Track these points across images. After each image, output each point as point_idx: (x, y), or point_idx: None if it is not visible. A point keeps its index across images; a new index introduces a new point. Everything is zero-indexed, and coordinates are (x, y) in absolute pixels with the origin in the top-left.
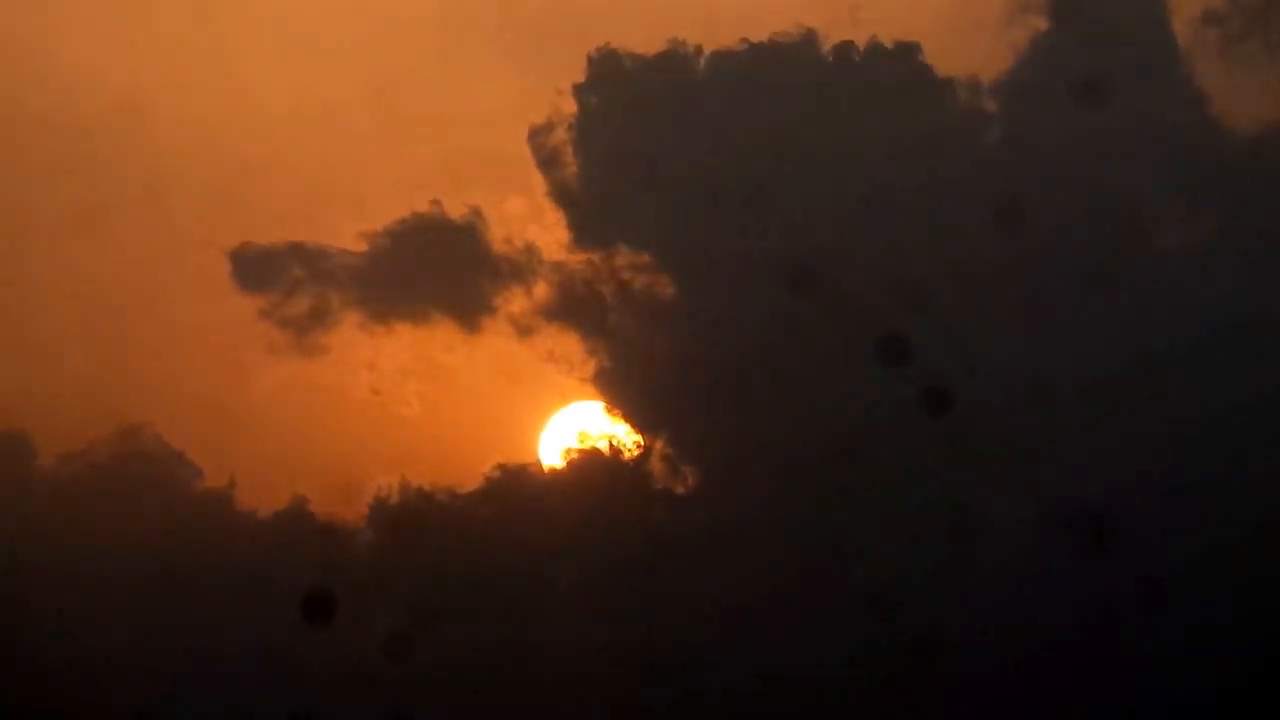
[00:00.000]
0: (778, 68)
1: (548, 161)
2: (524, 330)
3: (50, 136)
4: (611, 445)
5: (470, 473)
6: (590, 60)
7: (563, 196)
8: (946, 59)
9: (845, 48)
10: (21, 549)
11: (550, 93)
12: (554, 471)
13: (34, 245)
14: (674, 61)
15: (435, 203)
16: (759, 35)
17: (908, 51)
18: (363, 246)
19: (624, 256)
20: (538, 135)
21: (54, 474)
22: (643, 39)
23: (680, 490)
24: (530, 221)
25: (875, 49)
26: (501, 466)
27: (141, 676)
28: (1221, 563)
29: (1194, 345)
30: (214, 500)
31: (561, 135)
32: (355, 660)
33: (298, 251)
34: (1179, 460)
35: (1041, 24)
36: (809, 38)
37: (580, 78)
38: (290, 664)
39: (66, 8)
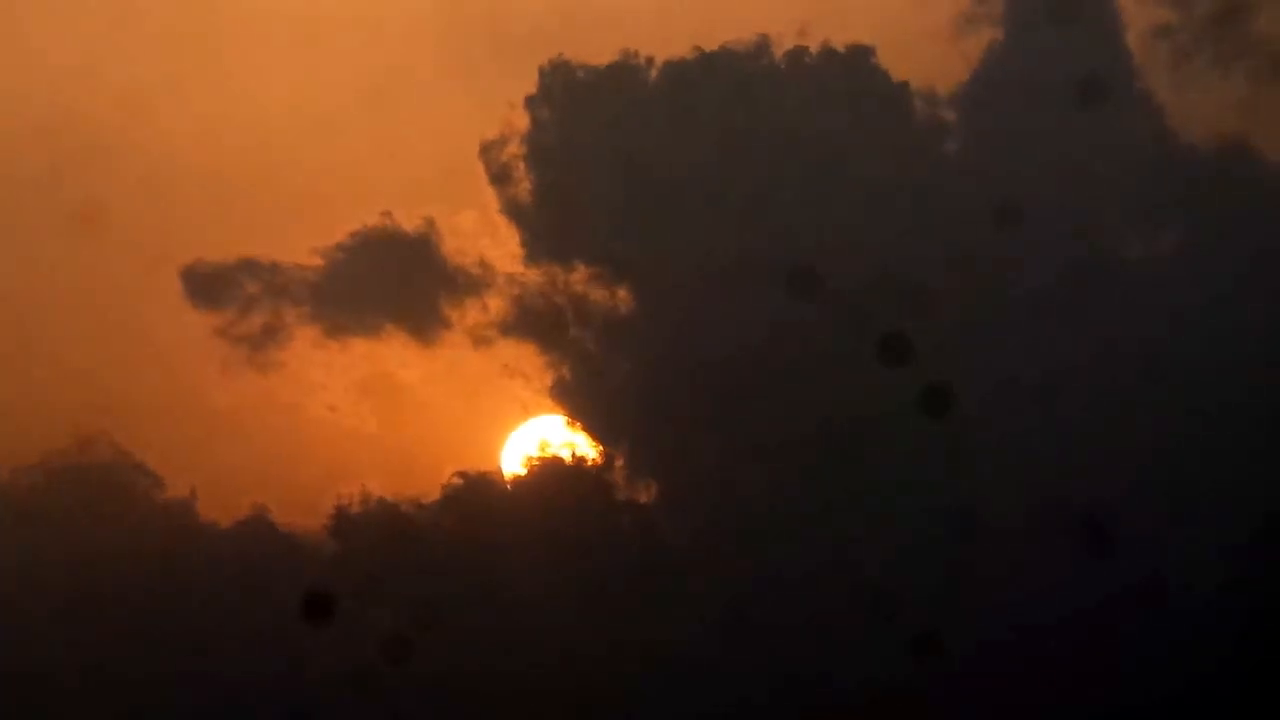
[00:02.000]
0: (731, 75)
1: (500, 175)
2: (481, 344)
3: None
4: (574, 455)
5: (431, 486)
6: (541, 72)
7: (517, 210)
8: (898, 66)
9: (798, 52)
10: None
11: (502, 106)
12: (517, 482)
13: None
14: (626, 72)
15: (388, 216)
16: (711, 44)
17: (861, 55)
18: (317, 262)
19: (580, 268)
20: (489, 149)
21: (10, 485)
22: (594, 50)
23: (648, 499)
24: (483, 235)
25: (829, 54)
26: (462, 474)
27: (105, 688)
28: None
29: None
30: (175, 510)
31: (514, 148)
32: (324, 667)
33: (252, 267)
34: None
35: (990, 33)
36: (762, 44)
37: (531, 89)
38: (263, 671)
39: None
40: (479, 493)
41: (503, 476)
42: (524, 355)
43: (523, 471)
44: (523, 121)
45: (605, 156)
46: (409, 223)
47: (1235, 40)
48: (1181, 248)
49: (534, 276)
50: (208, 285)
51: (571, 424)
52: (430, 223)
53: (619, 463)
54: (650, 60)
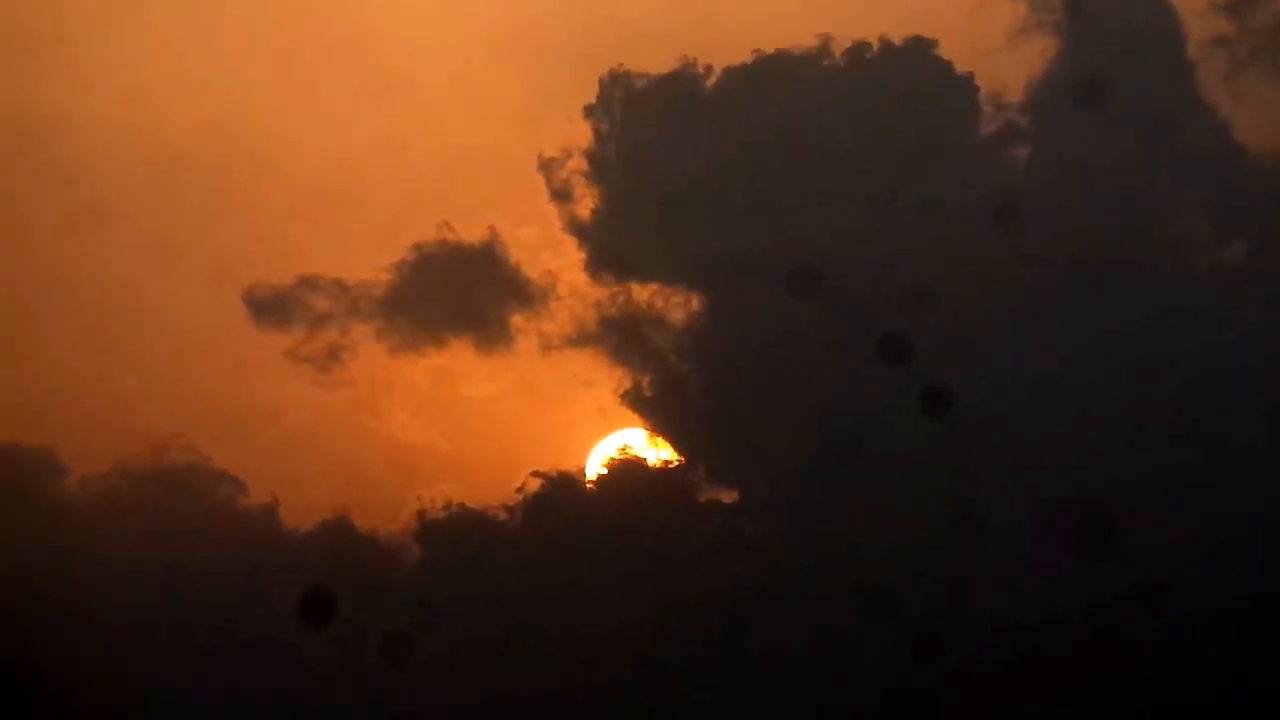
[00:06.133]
0: (790, 78)
1: (561, 190)
2: (553, 356)
3: (63, 142)
4: (655, 464)
5: (510, 495)
6: (601, 82)
7: (579, 221)
8: (960, 64)
9: (860, 47)
10: (60, 564)
11: (560, 118)
12: (599, 483)
13: (47, 255)
14: (685, 80)
15: (448, 228)
16: (768, 46)
17: (922, 48)
18: (384, 277)
19: (646, 279)
20: (550, 165)
21: (86, 491)
22: (652, 59)
23: (706, 498)
24: (545, 248)
25: (888, 49)
26: (541, 475)
27: (188, 694)
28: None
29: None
30: (257, 515)
31: (575, 161)
32: (392, 668)
33: (316, 284)
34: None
35: (1053, 31)
36: (822, 44)
37: (591, 99)
38: (340, 673)
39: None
40: (560, 496)
41: (585, 479)
42: (595, 365)
43: (604, 472)
44: (582, 132)
45: (666, 165)
46: (472, 234)
47: None
48: (1222, 238)
49: (599, 287)
50: (273, 304)
51: (652, 437)
52: (494, 232)
53: (696, 465)
54: (709, 68)
